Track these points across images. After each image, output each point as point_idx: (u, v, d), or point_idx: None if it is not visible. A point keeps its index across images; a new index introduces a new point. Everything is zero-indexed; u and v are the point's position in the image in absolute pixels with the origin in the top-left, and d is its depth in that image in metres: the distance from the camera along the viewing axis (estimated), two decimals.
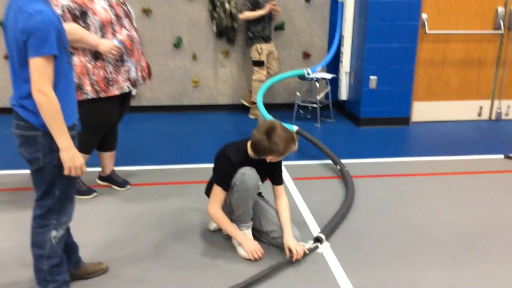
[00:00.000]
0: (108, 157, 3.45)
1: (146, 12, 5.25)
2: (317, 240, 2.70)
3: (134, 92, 5.40)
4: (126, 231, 2.86)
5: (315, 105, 5.25)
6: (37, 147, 1.93)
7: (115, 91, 3.03)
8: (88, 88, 2.98)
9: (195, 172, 3.82)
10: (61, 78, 1.91)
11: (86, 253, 2.49)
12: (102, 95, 3.01)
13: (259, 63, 5.18)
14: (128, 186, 3.48)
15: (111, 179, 3.49)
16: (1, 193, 3.35)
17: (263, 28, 5.10)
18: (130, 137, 4.57)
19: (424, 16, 4.95)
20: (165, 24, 5.35)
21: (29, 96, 1.86)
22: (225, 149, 2.58)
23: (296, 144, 2.50)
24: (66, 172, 1.92)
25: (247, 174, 2.47)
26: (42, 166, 1.95)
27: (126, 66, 3.05)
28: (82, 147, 3.12)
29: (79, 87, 2.96)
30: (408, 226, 2.95)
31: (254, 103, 5.25)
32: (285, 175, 3.67)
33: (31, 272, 2.13)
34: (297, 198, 3.33)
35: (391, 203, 3.29)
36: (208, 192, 2.73)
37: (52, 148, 1.92)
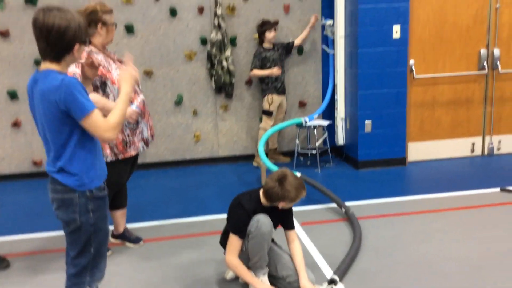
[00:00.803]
0: (120, 215, 3.57)
1: (148, 74, 5.51)
2: (332, 282, 2.79)
3: None
4: (143, 286, 2.94)
5: (314, 151, 5.44)
6: (74, 208, 2.02)
7: (132, 152, 3.23)
8: (107, 151, 3.16)
9: (204, 224, 3.93)
10: (91, 138, 2.04)
11: None
12: (120, 157, 3.20)
13: (267, 113, 5.47)
14: (141, 243, 3.57)
15: (124, 237, 3.59)
16: (19, 259, 3.43)
17: (276, 80, 5.42)
18: (138, 194, 4.69)
19: (411, 62, 5.25)
20: (166, 84, 5.61)
21: (67, 160, 1.98)
22: (238, 199, 2.73)
23: (304, 192, 2.66)
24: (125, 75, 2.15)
25: (261, 221, 2.60)
26: (79, 226, 2.05)
27: (140, 127, 3.26)
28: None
29: None
30: (416, 263, 3.06)
31: (270, 149, 5.69)
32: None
33: None
34: (306, 242, 3.44)
35: (397, 241, 3.41)
36: (222, 242, 2.86)
37: (88, 208, 2.03)
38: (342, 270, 2.92)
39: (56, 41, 1.94)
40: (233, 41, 5.59)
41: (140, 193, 4.79)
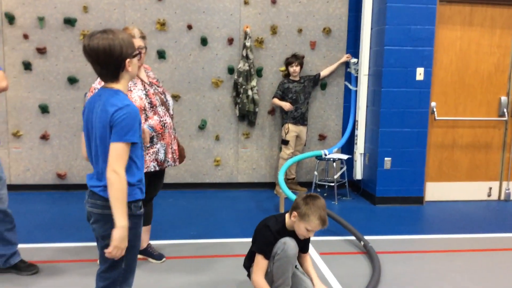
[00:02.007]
0: (144, 231, 3.65)
1: (175, 98, 5.69)
2: None
3: None
4: None
5: (332, 184, 5.52)
6: (112, 224, 2.02)
7: None
8: None
9: (224, 246, 4.00)
10: (137, 161, 2.12)
11: None
12: None
13: (284, 142, 5.64)
14: (164, 259, 3.65)
15: (148, 252, 3.68)
16: (44, 265, 3.51)
17: (296, 111, 5.58)
18: (158, 213, 4.78)
19: (433, 104, 5.38)
20: (192, 109, 5.78)
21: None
22: (265, 221, 2.84)
23: (325, 224, 2.74)
24: (109, 249, 2.01)
25: (288, 243, 2.70)
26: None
27: (155, 148, 3.33)
28: None
29: None
30: None
31: (288, 179, 5.76)
32: (311, 249, 3.86)
33: None
34: (325, 271, 3.50)
35: (415, 278, 3.45)
36: (246, 264, 2.94)
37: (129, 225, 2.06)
38: None
39: (106, 61, 2.03)
40: (259, 72, 5.77)
41: (160, 212, 4.88)
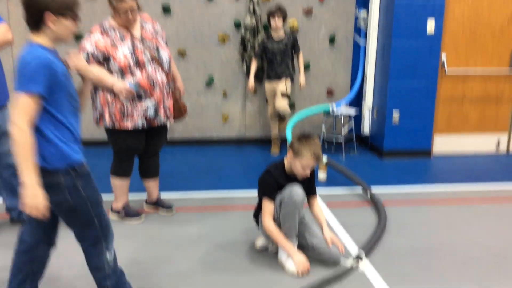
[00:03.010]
0: (152, 184, 3.72)
1: (182, 54, 5.64)
2: (358, 257, 2.91)
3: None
4: (174, 251, 3.09)
5: (339, 139, 5.52)
6: (62, 188, 1.97)
7: (128, 125, 3.29)
8: (107, 117, 3.30)
9: (232, 199, 4.06)
10: (61, 121, 1.98)
11: (138, 269, 2.75)
12: (117, 125, 3.30)
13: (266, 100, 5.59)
14: (174, 210, 3.72)
15: (158, 204, 3.75)
16: None
17: (270, 69, 5.30)
18: (167, 167, 4.83)
19: (443, 56, 5.28)
20: (198, 65, 5.73)
21: (44, 143, 1.94)
22: (267, 168, 2.92)
23: (319, 159, 2.80)
24: (21, 207, 1.91)
25: (294, 190, 2.75)
26: (73, 206, 2.02)
27: (143, 104, 3.29)
28: (116, 171, 3.50)
29: (101, 116, 3.32)
30: (441, 247, 3.15)
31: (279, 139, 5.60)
32: (319, 201, 3.91)
33: None
34: (332, 222, 3.55)
35: (422, 227, 3.50)
36: (256, 214, 3.01)
37: (77, 186, 1.99)
38: (368, 247, 3.03)
39: (27, 7, 1.93)
40: (266, 27, 5.68)
41: (169, 167, 4.93)
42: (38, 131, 1.93)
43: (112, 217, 3.57)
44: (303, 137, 2.79)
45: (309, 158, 2.74)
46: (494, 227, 3.50)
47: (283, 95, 5.23)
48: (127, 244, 3.15)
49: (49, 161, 1.95)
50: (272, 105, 5.44)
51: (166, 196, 3.89)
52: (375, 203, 3.81)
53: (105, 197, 3.79)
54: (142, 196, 3.82)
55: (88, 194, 2.03)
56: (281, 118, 5.53)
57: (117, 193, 3.56)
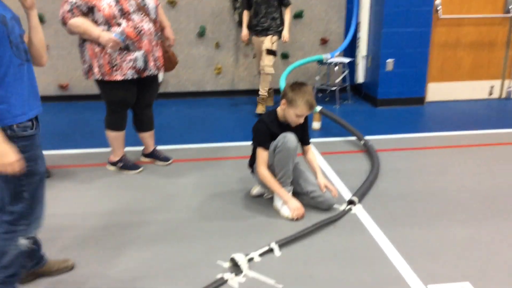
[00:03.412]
0: (147, 136, 3.74)
1: (172, 3, 5.52)
2: (351, 202, 2.99)
3: (160, 79, 5.69)
4: (170, 200, 3.16)
5: (333, 88, 5.52)
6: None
7: (117, 77, 3.27)
8: (96, 69, 3.27)
9: (226, 149, 4.11)
10: (5, 73, 1.81)
11: (136, 218, 2.80)
12: (106, 78, 3.28)
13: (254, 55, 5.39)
14: (170, 161, 3.77)
15: (154, 155, 3.79)
16: (53, 170, 3.64)
17: (256, 21, 5.08)
18: (162, 120, 4.86)
19: (437, 1, 5.21)
20: (189, 15, 5.63)
21: None
22: (260, 117, 2.95)
23: (312, 107, 2.80)
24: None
25: (288, 137, 2.78)
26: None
27: (131, 55, 3.26)
28: (110, 124, 3.52)
29: (90, 68, 3.30)
30: (432, 192, 3.23)
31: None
32: (314, 150, 3.96)
33: None
34: (326, 169, 3.62)
35: (414, 172, 3.57)
36: (251, 162, 3.06)
37: (17, 147, 1.80)
38: (361, 193, 3.10)
39: None
40: None
41: (164, 120, 4.95)
42: None
43: (110, 168, 3.63)
44: (296, 86, 2.79)
45: (303, 106, 2.75)
46: (484, 171, 3.57)
47: (268, 52, 5.04)
48: (124, 193, 3.21)
49: None
50: (258, 63, 5.31)
51: (162, 148, 3.92)
52: (369, 150, 3.87)
53: (102, 150, 3.87)
54: (139, 149, 3.86)
55: (26, 159, 1.81)
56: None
57: (113, 146, 3.59)
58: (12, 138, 1.79)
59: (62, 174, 3.55)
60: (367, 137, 4.16)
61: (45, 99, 5.59)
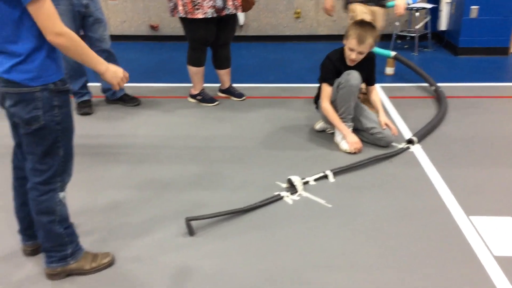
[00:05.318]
0: (223, 73, 4.05)
1: None
2: (410, 142, 3.11)
3: (241, 22, 5.94)
4: (242, 130, 3.47)
5: (413, 35, 5.44)
6: (36, 104, 1.71)
7: (199, 15, 3.53)
8: (180, 8, 3.55)
9: (297, 90, 4.33)
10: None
11: (212, 144, 3.16)
12: (189, 16, 3.55)
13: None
14: (244, 98, 4.08)
15: (230, 92, 4.11)
16: (143, 100, 4.10)
17: None
18: (240, 62, 5.15)
19: None
20: None
21: (20, 54, 1.66)
22: (328, 54, 3.11)
23: (361, 42, 2.88)
24: (116, 87, 1.88)
25: (352, 74, 2.94)
26: (42, 125, 1.74)
27: None
28: (191, 60, 3.85)
29: (175, 7, 3.57)
30: (496, 138, 3.23)
31: None
32: (381, 94, 4.06)
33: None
34: (392, 112, 3.72)
35: (483, 119, 3.55)
36: (316, 99, 3.27)
37: (53, 104, 1.74)
38: (421, 134, 3.20)
39: None
40: None
41: (242, 61, 5.24)
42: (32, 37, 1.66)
43: (190, 100, 4.02)
44: (359, 22, 2.92)
45: (352, 39, 2.87)
46: None
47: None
48: (201, 122, 3.59)
49: (30, 74, 1.69)
50: None
51: (237, 86, 4.23)
52: (438, 96, 3.89)
53: (184, 85, 4.25)
54: (217, 85, 4.20)
55: (62, 116, 1.78)
56: None
57: (194, 81, 3.95)
58: (55, 93, 1.74)
59: (150, 104, 3.99)
60: (442, 84, 4.14)
61: (137, 38, 6.13)
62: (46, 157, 1.80)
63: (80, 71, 3.69)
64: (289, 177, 2.63)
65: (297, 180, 2.61)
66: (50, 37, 1.62)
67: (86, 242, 2.10)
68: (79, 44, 1.69)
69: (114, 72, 1.84)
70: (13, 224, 2.10)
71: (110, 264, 2.04)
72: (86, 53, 1.72)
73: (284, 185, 2.65)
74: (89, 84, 3.85)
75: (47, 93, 1.71)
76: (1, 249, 2.15)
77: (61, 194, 1.89)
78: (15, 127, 1.87)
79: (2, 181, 2.62)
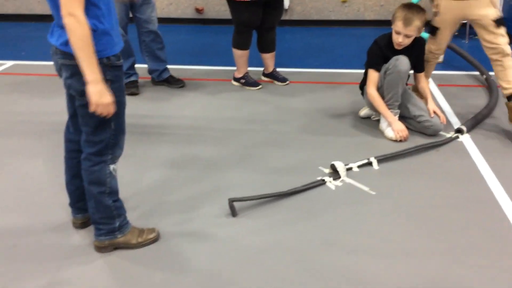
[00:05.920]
0: (268, 57, 4.04)
1: None
2: (458, 131, 3.02)
3: (286, 6, 5.89)
4: (284, 114, 3.46)
5: (464, 21, 5.23)
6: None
7: None
8: None
9: (341, 75, 4.27)
10: (110, 7, 1.77)
11: (253, 126, 3.19)
12: None
13: (432, 29, 3.18)
14: (287, 82, 4.05)
15: (273, 76, 4.10)
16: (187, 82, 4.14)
17: None
18: (284, 46, 5.11)
19: None
20: None
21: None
22: (375, 39, 3.04)
23: (407, 24, 2.79)
24: (92, 108, 1.74)
25: (400, 59, 2.87)
26: None
27: None
28: (236, 43, 3.87)
29: None
30: None
31: None
32: (430, 81, 3.94)
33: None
34: (441, 101, 3.61)
35: None
36: (361, 85, 3.21)
37: (106, 78, 1.75)
38: (471, 124, 3.10)
39: None
40: None
41: (286, 45, 5.20)
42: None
43: (234, 83, 4.03)
44: (406, 4, 2.84)
45: (399, 22, 2.80)
46: None
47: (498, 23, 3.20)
48: (244, 105, 3.61)
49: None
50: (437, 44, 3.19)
51: (281, 71, 4.21)
52: (489, 85, 3.75)
53: (228, 68, 4.27)
54: (261, 69, 4.19)
55: (114, 90, 1.80)
56: None
57: (238, 64, 3.96)
58: (108, 67, 1.77)
59: (194, 86, 4.04)
60: (491, 73, 3.99)
61: (183, 21, 6.19)
62: (98, 129, 1.84)
63: (128, 52, 3.76)
64: (332, 162, 2.61)
65: (340, 166, 2.59)
66: (63, 13, 1.61)
67: (132, 217, 2.16)
68: (86, 35, 1.63)
69: (100, 92, 1.71)
70: (63, 197, 2.18)
71: (155, 239, 2.09)
72: (87, 50, 1.65)
73: (327, 171, 2.64)
74: (136, 65, 3.93)
75: (100, 66, 1.71)
76: (52, 221, 2.24)
77: (112, 167, 1.92)
78: (71, 98, 1.93)
79: (52, 156, 2.73)
